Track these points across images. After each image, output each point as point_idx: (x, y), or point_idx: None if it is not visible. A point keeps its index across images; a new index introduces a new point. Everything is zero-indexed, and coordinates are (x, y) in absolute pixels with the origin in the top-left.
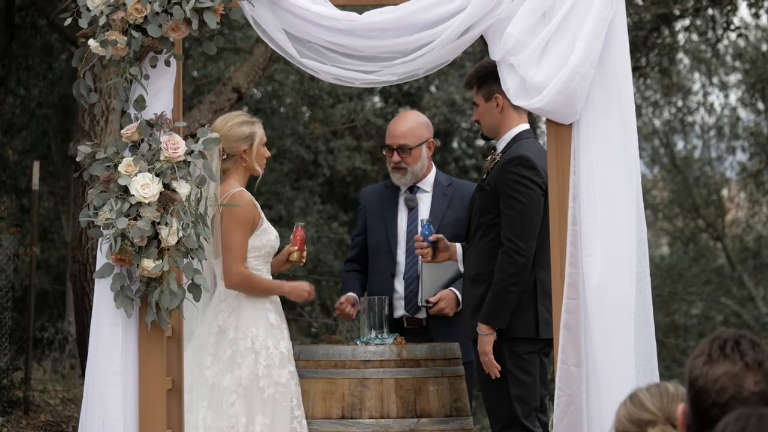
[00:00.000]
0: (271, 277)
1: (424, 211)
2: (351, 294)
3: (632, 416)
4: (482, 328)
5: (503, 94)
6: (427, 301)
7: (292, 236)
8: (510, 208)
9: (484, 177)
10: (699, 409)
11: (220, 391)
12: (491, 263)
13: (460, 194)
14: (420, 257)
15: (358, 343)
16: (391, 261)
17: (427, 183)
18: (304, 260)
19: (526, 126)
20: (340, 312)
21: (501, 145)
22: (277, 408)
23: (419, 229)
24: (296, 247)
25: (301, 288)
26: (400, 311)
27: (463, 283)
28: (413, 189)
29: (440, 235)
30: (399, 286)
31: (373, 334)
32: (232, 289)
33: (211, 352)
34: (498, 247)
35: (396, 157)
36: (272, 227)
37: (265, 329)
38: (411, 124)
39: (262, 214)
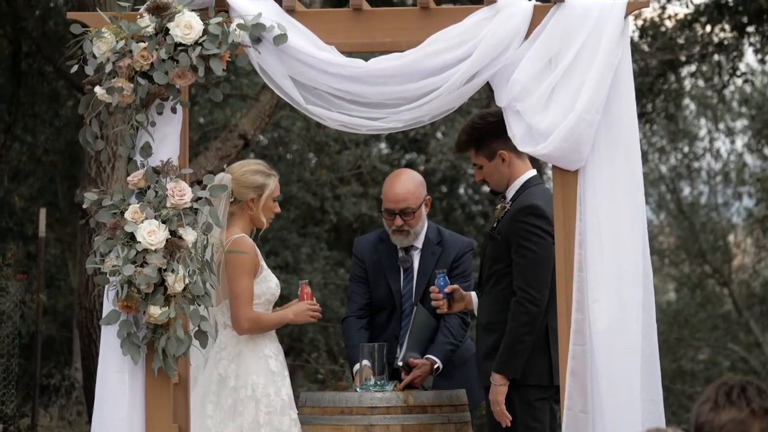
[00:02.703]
0: None
1: (415, 270)
2: (367, 365)
3: None
4: (496, 378)
5: (505, 147)
6: (408, 364)
7: (299, 295)
8: (522, 258)
9: (494, 226)
10: None
11: None
12: (503, 312)
13: (447, 254)
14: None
15: (357, 389)
16: (397, 323)
17: (419, 240)
18: (319, 315)
19: (533, 172)
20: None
21: (510, 193)
22: None
23: (434, 280)
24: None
25: (302, 309)
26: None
27: (476, 331)
28: (407, 247)
29: (455, 286)
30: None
31: (373, 381)
32: (244, 335)
33: (213, 401)
34: (510, 295)
35: (399, 221)
36: (272, 275)
37: (265, 376)
38: (410, 186)
39: (263, 262)
